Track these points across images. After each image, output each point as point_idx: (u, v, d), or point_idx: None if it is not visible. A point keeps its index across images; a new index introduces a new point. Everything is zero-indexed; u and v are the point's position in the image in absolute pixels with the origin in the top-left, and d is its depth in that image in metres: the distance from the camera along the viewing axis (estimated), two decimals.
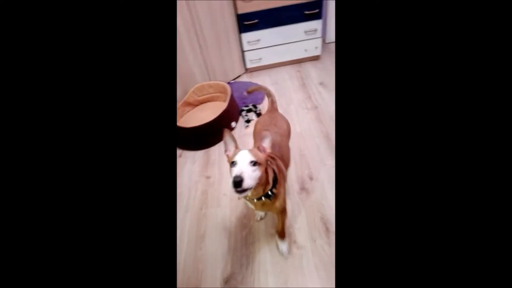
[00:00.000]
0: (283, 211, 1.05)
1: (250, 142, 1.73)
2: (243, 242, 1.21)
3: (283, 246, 1.15)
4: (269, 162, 0.92)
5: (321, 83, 2.17)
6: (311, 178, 1.44)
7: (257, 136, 1.17)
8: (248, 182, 0.75)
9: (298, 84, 2.22)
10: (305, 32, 2.24)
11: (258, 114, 1.96)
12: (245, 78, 2.47)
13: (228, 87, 1.95)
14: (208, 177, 1.57)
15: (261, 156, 0.84)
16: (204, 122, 1.68)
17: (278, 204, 0.98)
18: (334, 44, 2.68)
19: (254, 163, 0.79)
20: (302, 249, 1.15)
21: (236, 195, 0.76)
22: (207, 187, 1.51)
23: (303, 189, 1.40)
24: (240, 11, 2.12)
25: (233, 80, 2.46)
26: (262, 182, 0.86)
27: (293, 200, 1.36)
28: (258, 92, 2.21)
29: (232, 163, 0.80)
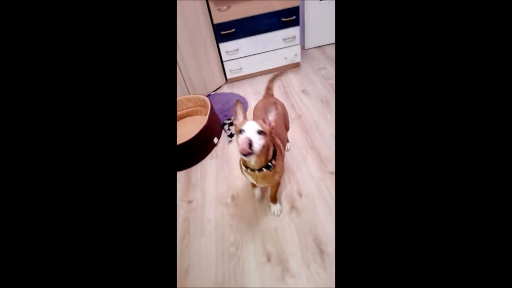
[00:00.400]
0: (278, 184, 1.21)
1: (235, 159, 1.63)
2: (231, 275, 1.10)
3: (275, 208, 1.30)
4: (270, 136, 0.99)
5: (303, 91, 2.11)
6: (300, 195, 1.36)
7: (255, 118, 1.22)
8: (256, 146, 0.84)
9: (281, 93, 2.15)
10: (284, 39, 2.19)
11: None
12: (226, 89, 2.38)
13: (207, 100, 1.85)
14: (190, 202, 1.45)
15: (266, 127, 0.93)
16: (183, 141, 1.56)
17: (277, 176, 1.09)
18: (313, 50, 2.65)
19: (260, 132, 0.88)
20: (296, 277, 1.05)
21: (244, 158, 0.89)
22: (189, 214, 1.38)
23: (293, 208, 1.31)
24: (216, 21, 2.03)
25: (213, 91, 2.36)
26: (265, 151, 0.95)
27: (283, 221, 1.26)
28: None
29: (240, 131, 0.88)
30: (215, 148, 1.76)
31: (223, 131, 1.89)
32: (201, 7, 1.94)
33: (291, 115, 1.89)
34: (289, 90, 2.17)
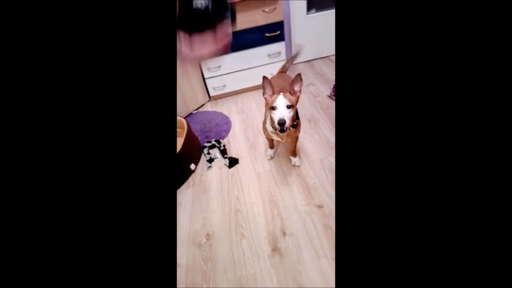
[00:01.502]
0: (297, 137, 1.42)
1: (214, 188, 1.47)
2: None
3: (296, 160, 1.51)
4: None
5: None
6: (284, 233, 1.19)
7: (276, 87, 1.29)
8: (288, 122, 1.06)
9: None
10: (269, 55, 2.07)
11: (223, 151, 1.71)
12: (209, 107, 2.24)
13: (184, 122, 1.69)
14: None
15: (293, 99, 1.12)
16: None
17: (298, 132, 1.34)
18: (301, 65, 2.54)
19: (289, 106, 1.08)
20: None
21: (280, 133, 1.11)
22: None
23: (275, 250, 1.14)
24: None
25: (195, 110, 2.21)
26: (293, 118, 1.13)
27: (263, 267, 1.09)
28: (222, 124, 1.98)
29: (273, 108, 1.09)
30: (192, 175, 1.60)
31: (202, 155, 1.73)
32: None
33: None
34: None
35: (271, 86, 1.13)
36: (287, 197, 1.35)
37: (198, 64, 2.03)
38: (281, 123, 1.03)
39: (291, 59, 1.65)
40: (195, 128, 1.95)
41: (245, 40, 1.97)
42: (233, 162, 1.62)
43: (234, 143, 1.80)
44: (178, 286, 1.08)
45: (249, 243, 1.19)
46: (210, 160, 1.67)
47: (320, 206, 1.27)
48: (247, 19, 1.90)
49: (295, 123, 1.20)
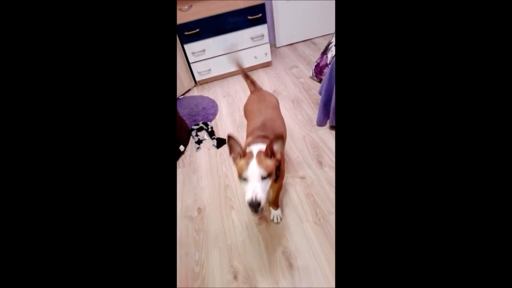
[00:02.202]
0: (281, 187, 1.12)
1: (204, 167, 1.53)
2: None
3: (276, 214, 1.20)
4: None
5: (274, 91, 2.03)
6: (269, 202, 1.28)
7: (249, 115, 1.19)
8: (263, 202, 0.78)
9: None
10: (252, 38, 2.10)
11: (211, 133, 1.77)
12: (195, 92, 2.27)
13: None
14: None
15: (271, 165, 0.84)
16: None
17: (280, 181, 1.03)
18: (284, 48, 2.59)
19: (265, 177, 0.80)
20: None
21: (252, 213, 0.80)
22: None
23: (261, 218, 1.23)
24: (179, 21, 1.92)
25: (182, 95, 2.24)
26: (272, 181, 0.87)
27: (252, 233, 1.19)
28: (209, 107, 2.02)
29: (243, 179, 0.81)
30: (182, 157, 1.66)
31: (190, 138, 1.78)
32: None
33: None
34: None
35: (239, 144, 0.86)
36: None
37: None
38: (254, 204, 0.76)
39: (246, 74, 1.37)
40: (183, 113, 1.99)
41: (228, 23, 1.99)
42: (221, 142, 1.69)
43: (221, 125, 1.85)
44: None
45: (238, 214, 1.27)
46: (199, 142, 1.72)
47: (302, 178, 1.37)
48: (229, 2, 1.92)
49: (276, 177, 0.93)
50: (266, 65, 2.36)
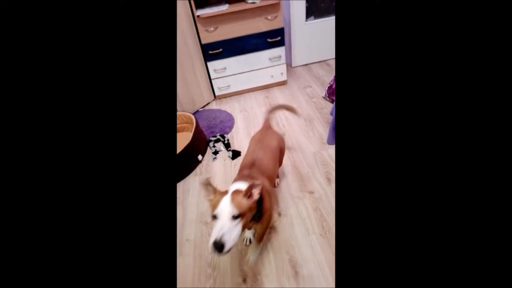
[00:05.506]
0: (267, 225, 1.07)
1: (219, 177, 1.65)
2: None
3: (253, 254, 1.16)
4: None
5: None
6: (279, 214, 1.38)
7: (247, 151, 1.22)
8: (229, 244, 0.72)
9: (266, 111, 2.20)
10: (270, 59, 2.26)
11: (227, 145, 1.90)
12: (214, 106, 2.42)
13: (193, 118, 1.88)
14: None
15: (245, 205, 0.79)
16: None
17: (265, 221, 0.98)
18: (299, 68, 2.73)
19: (236, 216, 0.75)
20: None
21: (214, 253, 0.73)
22: None
23: (271, 227, 1.32)
24: (204, 41, 2.10)
25: (201, 108, 2.40)
26: (245, 226, 0.82)
27: None
28: (226, 121, 2.17)
29: (214, 217, 0.77)
30: (200, 165, 1.79)
31: (208, 148, 1.92)
32: (189, 27, 2.01)
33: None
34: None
35: (211, 186, 0.87)
36: (283, 184, 1.54)
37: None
38: (218, 246, 0.69)
39: (272, 110, 1.43)
40: (202, 124, 2.14)
41: (249, 44, 2.16)
42: (235, 154, 1.81)
43: (237, 138, 1.98)
44: (187, 257, 1.26)
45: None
46: (216, 152, 1.85)
47: (311, 192, 1.46)
48: (251, 26, 2.09)
49: (257, 217, 0.89)
50: (282, 83, 2.50)
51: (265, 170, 1.09)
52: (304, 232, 1.28)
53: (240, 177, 1.01)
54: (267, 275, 1.14)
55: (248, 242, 1.21)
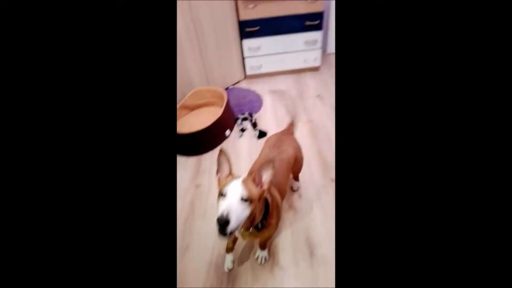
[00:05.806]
0: (269, 237, 1.06)
1: (244, 153, 1.72)
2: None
3: (262, 254, 1.16)
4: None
5: (318, 96, 2.15)
6: (300, 197, 1.43)
7: (260, 153, 1.17)
8: (234, 225, 0.68)
9: (295, 95, 2.21)
10: (305, 42, 2.22)
11: (254, 124, 1.94)
12: (244, 85, 2.45)
13: (225, 93, 1.93)
14: (197, 186, 1.55)
15: (255, 192, 0.77)
16: (198, 129, 1.66)
17: (267, 234, 0.95)
18: (332, 55, 2.67)
19: (245, 199, 0.73)
20: (284, 271, 1.14)
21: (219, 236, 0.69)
22: (195, 197, 1.49)
23: (291, 207, 1.39)
24: (242, 18, 2.09)
25: (231, 85, 2.44)
26: (251, 219, 0.80)
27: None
28: (255, 101, 2.20)
29: (221, 194, 0.74)
30: (226, 141, 1.86)
31: (235, 125, 1.98)
32: (228, 2, 2.00)
33: (302, 119, 1.94)
34: (304, 94, 2.21)
35: (229, 163, 0.81)
36: (306, 170, 1.57)
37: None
38: (221, 221, 0.66)
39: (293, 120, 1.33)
40: (231, 102, 2.19)
41: (286, 25, 2.13)
42: (262, 134, 1.86)
43: (264, 119, 2.02)
44: (210, 220, 1.36)
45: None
46: (242, 130, 1.91)
47: (333, 180, 1.49)
48: (291, 6, 2.05)
49: (260, 225, 0.86)
50: (314, 69, 2.46)
51: (279, 182, 1.01)
52: (322, 217, 1.33)
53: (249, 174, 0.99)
54: (284, 249, 1.21)
55: (263, 261, 1.16)
